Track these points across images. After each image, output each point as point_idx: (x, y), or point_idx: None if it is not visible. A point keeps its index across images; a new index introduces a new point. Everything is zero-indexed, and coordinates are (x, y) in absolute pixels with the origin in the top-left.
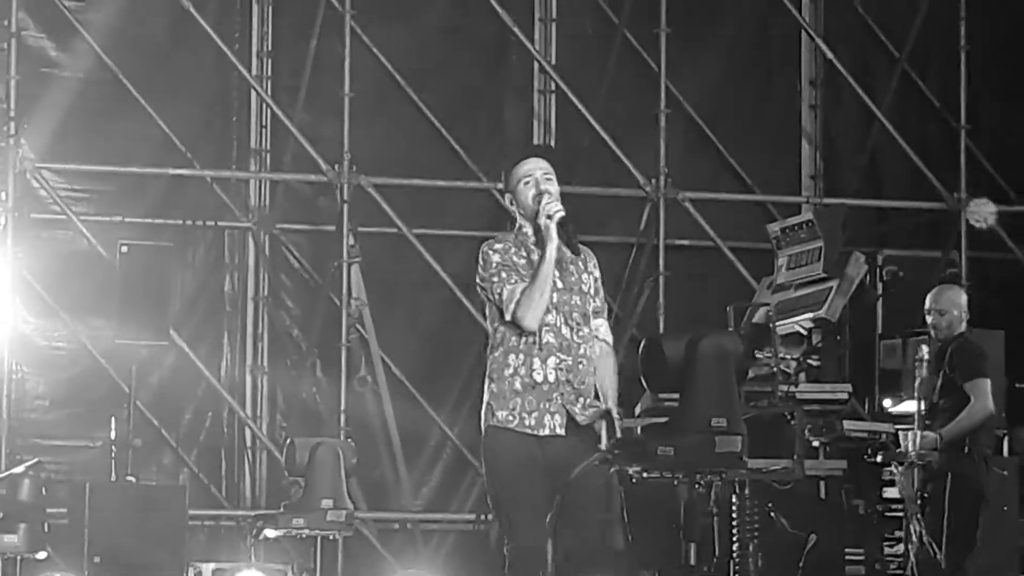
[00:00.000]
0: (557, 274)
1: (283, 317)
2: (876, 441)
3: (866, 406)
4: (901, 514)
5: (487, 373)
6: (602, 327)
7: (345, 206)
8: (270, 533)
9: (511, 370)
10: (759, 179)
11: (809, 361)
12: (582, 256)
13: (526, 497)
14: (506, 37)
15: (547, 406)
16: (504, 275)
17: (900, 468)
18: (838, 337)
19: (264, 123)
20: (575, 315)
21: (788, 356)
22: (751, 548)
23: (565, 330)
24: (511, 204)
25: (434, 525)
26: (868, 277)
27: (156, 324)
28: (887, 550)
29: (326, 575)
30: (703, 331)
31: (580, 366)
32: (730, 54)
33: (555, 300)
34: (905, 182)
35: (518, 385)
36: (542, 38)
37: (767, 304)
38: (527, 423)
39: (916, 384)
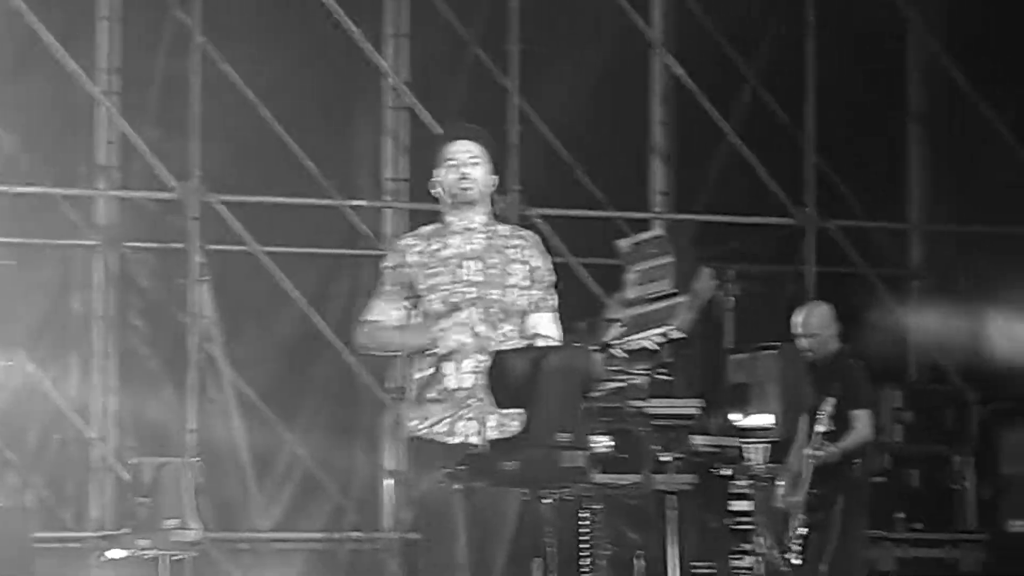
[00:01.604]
0: (478, 265)
1: (131, 336)
2: (725, 455)
3: (714, 420)
4: (748, 527)
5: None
6: (543, 322)
7: (194, 223)
8: (114, 554)
9: (422, 375)
10: (610, 195)
11: (659, 376)
12: (518, 242)
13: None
14: (357, 54)
15: (462, 413)
16: (382, 286)
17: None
18: (687, 352)
19: (112, 140)
20: (494, 310)
21: (638, 371)
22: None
23: (482, 328)
24: (436, 190)
25: (284, 544)
26: (717, 292)
27: (1, 343)
28: (734, 563)
29: None
30: (549, 347)
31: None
32: (582, 71)
33: (473, 295)
34: (754, 198)
35: (431, 392)
36: (393, 54)
37: (618, 320)
38: (436, 430)
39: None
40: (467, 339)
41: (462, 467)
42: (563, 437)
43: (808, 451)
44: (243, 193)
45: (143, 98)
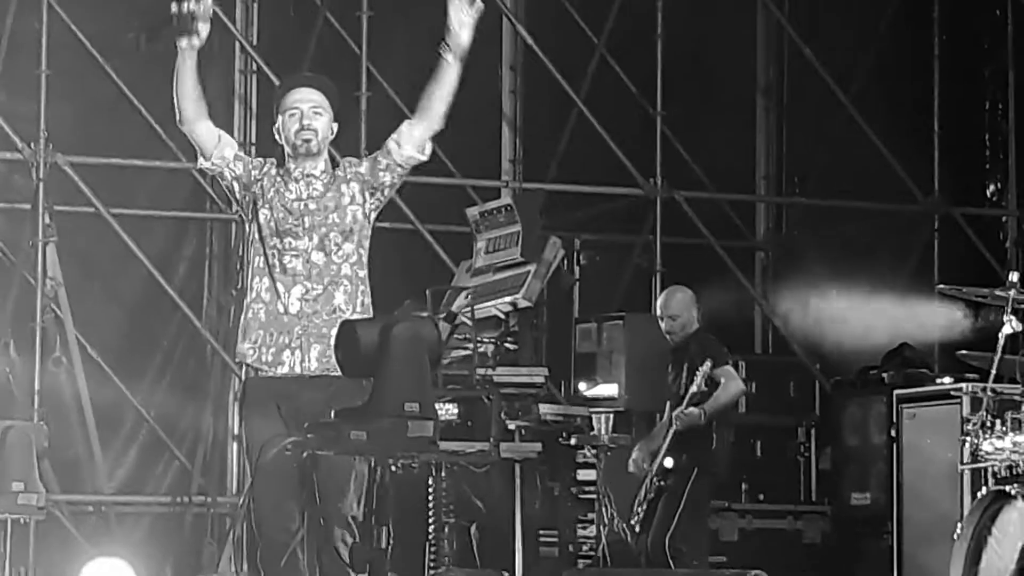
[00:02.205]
0: (304, 194)
1: None
2: (571, 423)
3: (562, 389)
4: (594, 496)
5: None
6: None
7: (41, 184)
8: None
9: (254, 294)
10: (459, 163)
11: (506, 344)
12: (349, 171)
13: (250, 449)
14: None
15: (286, 340)
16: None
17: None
18: (535, 321)
19: None
20: (332, 235)
21: (485, 339)
22: (445, 530)
23: (318, 256)
24: (277, 136)
25: (129, 508)
26: (565, 261)
27: None
28: (580, 531)
29: (17, 560)
30: (397, 316)
31: (336, 293)
32: (432, 38)
33: (307, 223)
34: (603, 168)
35: (262, 315)
36: (243, 18)
37: (466, 288)
38: (263, 359)
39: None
40: (301, 266)
41: (310, 435)
42: (411, 407)
43: (676, 414)
44: (90, 154)
45: None
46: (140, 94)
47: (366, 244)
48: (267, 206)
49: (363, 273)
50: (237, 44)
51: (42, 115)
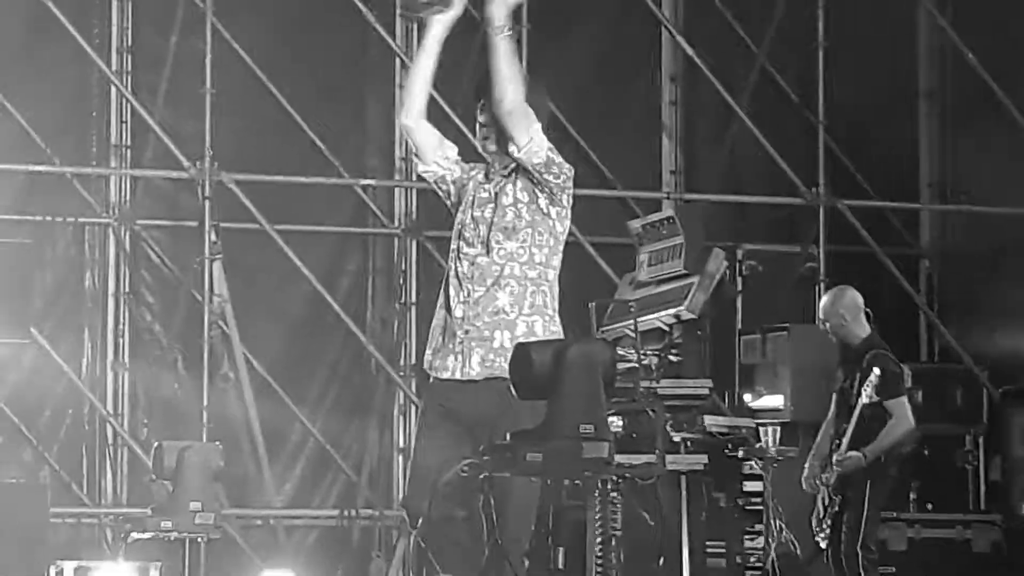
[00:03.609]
0: (471, 196)
1: (144, 313)
2: (738, 436)
3: (726, 401)
4: (760, 508)
5: None
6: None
7: (207, 202)
8: (137, 536)
9: (438, 302)
10: (620, 175)
11: (670, 357)
12: (504, 171)
13: (417, 459)
14: (368, 32)
15: (451, 346)
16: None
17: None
18: (699, 332)
19: (125, 119)
20: (493, 234)
21: (649, 352)
22: (613, 543)
23: (482, 257)
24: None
25: (297, 521)
26: (728, 273)
27: (16, 321)
28: (747, 543)
29: (191, 573)
30: (571, 339)
31: (499, 294)
32: (592, 51)
33: (477, 225)
34: (765, 178)
35: (439, 320)
36: (403, 34)
37: (629, 300)
38: (434, 364)
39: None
40: (466, 268)
41: (486, 457)
42: (586, 428)
43: (836, 458)
44: (255, 172)
45: (156, 78)
46: (303, 112)
47: (541, 243)
48: (460, 211)
49: (534, 273)
50: (397, 60)
51: (207, 134)
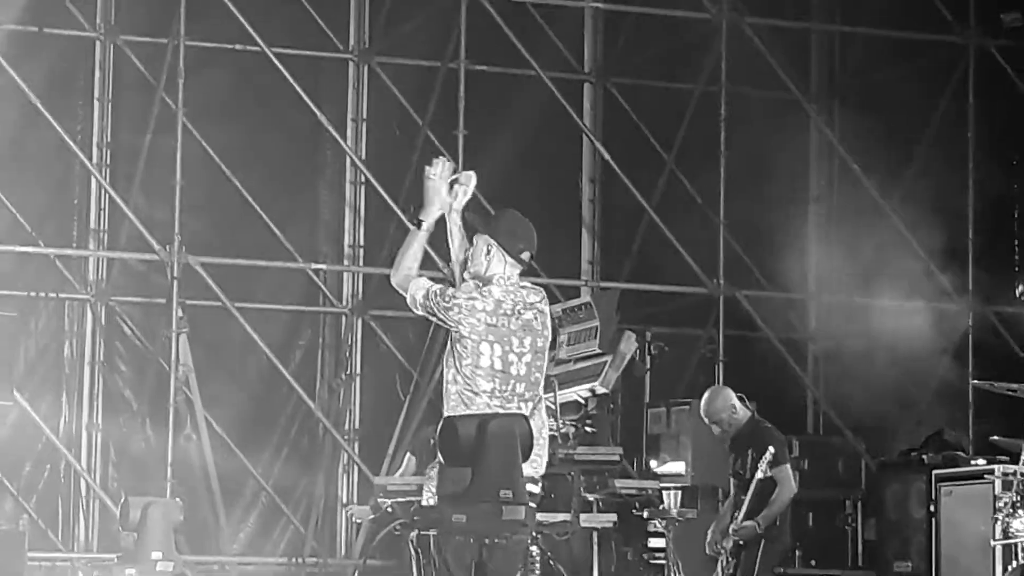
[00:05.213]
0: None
1: (117, 380)
2: (644, 497)
3: (634, 466)
4: (663, 562)
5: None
6: None
7: (175, 282)
8: None
9: None
10: (544, 264)
11: (586, 427)
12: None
13: None
14: (321, 133)
15: None
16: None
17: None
18: (611, 405)
19: (103, 206)
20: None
21: (567, 422)
22: None
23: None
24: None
25: (250, 567)
26: (638, 352)
27: (1, 384)
28: None
29: None
30: (493, 414)
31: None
32: (520, 153)
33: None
34: (672, 269)
35: None
36: (354, 135)
37: (550, 376)
38: None
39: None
40: None
41: (416, 518)
42: (505, 493)
43: (733, 528)
44: (218, 255)
45: (131, 170)
46: (262, 202)
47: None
48: None
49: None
50: (348, 158)
51: (176, 221)
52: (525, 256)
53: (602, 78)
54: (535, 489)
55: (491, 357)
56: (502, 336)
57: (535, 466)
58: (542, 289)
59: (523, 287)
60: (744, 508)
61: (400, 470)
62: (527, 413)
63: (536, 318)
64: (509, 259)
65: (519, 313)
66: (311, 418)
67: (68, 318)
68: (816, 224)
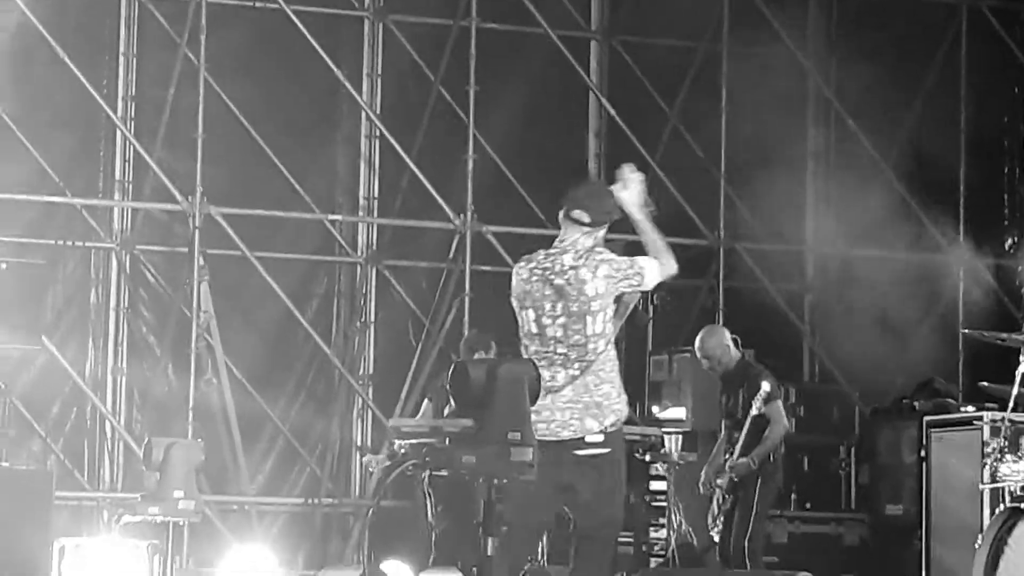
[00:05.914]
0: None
1: (140, 326)
2: (646, 442)
3: (637, 412)
4: (664, 504)
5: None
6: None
7: (196, 232)
8: (129, 518)
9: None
10: (551, 218)
11: None
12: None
13: None
14: (338, 87)
15: None
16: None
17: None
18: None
19: (128, 158)
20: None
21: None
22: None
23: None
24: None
25: (268, 507)
26: (641, 302)
27: (29, 330)
28: (652, 534)
29: (175, 551)
30: (502, 358)
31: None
32: (529, 108)
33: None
34: (674, 221)
35: None
36: (369, 90)
37: None
38: None
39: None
40: None
41: (427, 459)
42: (514, 435)
43: (729, 464)
44: (239, 206)
45: (155, 123)
46: (281, 155)
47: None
48: None
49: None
50: (363, 113)
51: (198, 172)
52: (575, 215)
53: (608, 36)
54: (599, 439)
55: (527, 322)
56: (535, 301)
57: (600, 420)
58: (605, 250)
59: (565, 252)
60: (739, 444)
61: (419, 414)
62: (576, 373)
63: (569, 283)
64: (571, 223)
65: (550, 280)
66: (327, 364)
67: (94, 266)
68: (813, 179)
